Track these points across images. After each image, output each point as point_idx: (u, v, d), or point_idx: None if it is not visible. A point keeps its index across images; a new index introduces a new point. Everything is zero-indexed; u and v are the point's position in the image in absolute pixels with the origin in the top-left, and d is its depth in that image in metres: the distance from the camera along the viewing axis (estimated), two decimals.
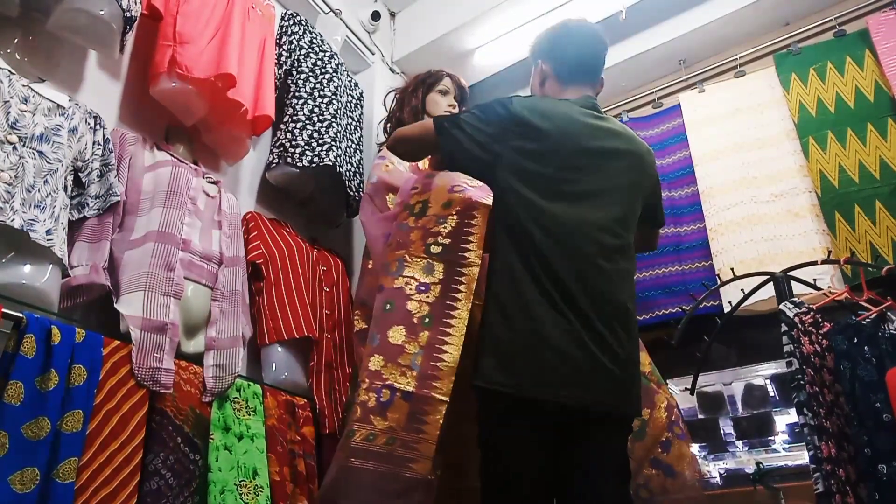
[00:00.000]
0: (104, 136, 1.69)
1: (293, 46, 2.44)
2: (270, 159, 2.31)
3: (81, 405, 1.39)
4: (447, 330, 1.59)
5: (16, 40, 1.63)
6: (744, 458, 2.77)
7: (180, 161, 1.90)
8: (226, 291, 1.86)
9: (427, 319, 1.61)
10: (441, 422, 1.50)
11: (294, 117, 2.29)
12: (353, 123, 2.60)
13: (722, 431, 2.87)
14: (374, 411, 1.53)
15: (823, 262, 2.18)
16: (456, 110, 2.32)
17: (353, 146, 2.53)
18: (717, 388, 2.92)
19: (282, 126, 2.31)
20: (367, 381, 1.58)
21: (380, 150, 2.45)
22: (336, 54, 2.61)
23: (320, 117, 2.31)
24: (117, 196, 1.67)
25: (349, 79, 2.69)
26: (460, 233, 1.71)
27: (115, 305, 1.60)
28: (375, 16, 3.07)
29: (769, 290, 2.18)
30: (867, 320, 1.81)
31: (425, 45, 3.13)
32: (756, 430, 2.81)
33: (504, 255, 1.49)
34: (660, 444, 1.94)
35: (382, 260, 1.84)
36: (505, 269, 1.47)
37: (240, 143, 2.17)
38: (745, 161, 2.70)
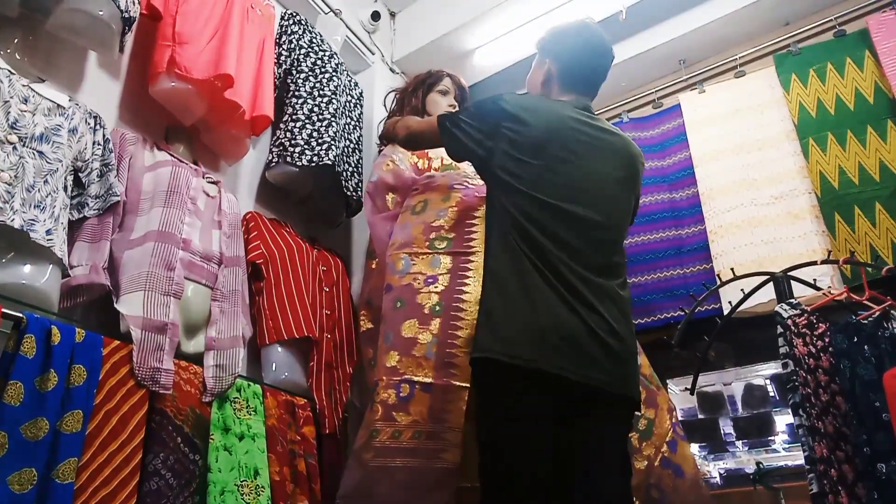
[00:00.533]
0: (104, 136, 1.69)
1: (293, 46, 2.43)
2: (270, 158, 2.31)
3: (81, 405, 1.39)
4: (459, 314, 1.59)
5: (16, 40, 1.63)
6: (744, 458, 2.76)
7: (180, 161, 1.90)
8: (226, 291, 1.86)
9: (437, 307, 1.61)
10: (464, 408, 1.50)
11: (294, 116, 2.29)
12: (353, 123, 2.59)
13: (722, 431, 2.86)
14: (396, 408, 1.53)
15: (823, 262, 2.18)
16: (455, 110, 2.32)
17: (352, 146, 2.53)
18: (717, 388, 2.91)
19: (281, 125, 2.30)
20: (384, 378, 1.58)
21: (381, 150, 2.45)
22: (336, 54, 2.61)
23: (320, 116, 2.31)
24: (117, 196, 1.67)
25: (349, 78, 2.69)
26: (463, 224, 1.72)
27: (115, 305, 1.60)
28: (375, 16, 3.07)
29: (769, 291, 2.18)
30: (868, 319, 1.82)
31: (425, 45, 3.12)
32: (756, 430, 2.81)
33: (501, 235, 1.50)
34: (667, 444, 1.94)
35: (386, 259, 1.85)
36: (502, 254, 1.47)
37: (239, 143, 2.17)
38: (746, 163, 2.70)
